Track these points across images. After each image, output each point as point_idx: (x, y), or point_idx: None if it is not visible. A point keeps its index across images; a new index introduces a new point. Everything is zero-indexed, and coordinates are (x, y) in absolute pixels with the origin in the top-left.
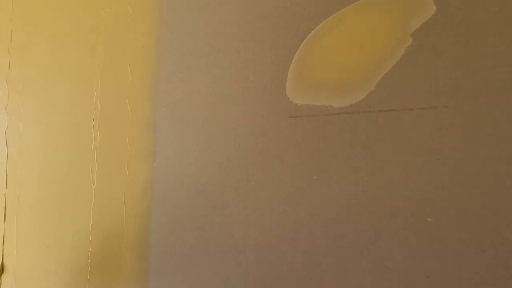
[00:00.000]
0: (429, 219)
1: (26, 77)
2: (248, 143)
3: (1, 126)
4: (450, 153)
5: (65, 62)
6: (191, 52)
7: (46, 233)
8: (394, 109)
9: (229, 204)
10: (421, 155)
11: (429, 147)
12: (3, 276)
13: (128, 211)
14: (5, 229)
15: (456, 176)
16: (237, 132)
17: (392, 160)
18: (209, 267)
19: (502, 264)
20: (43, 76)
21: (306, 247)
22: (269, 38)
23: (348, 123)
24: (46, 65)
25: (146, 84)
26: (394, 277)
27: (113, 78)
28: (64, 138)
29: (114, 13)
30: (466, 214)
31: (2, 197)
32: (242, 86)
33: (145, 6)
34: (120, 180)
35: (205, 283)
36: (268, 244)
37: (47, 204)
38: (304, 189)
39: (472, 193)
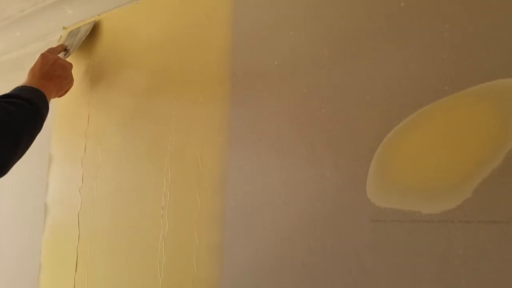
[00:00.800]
0: None
1: (99, 161)
2: (324, 246)
3: (75, 208)
4: None
5: (136, 148)
6: (263, 144)
7: None
8: (498, 221)
9: None
10: None
11: None
12: None
13: None
14: None
15: None
16: (312, 234)
17: (500, 282)
18: None
19: None
20: (115, 161)
21: None
22: (347, 133)
23: (441, 233)
24: (118, 151)
25: (215, 175)
26: None
27: (183, 167)
28: (133, 224)
29: (186, 101)
30: None
31: (72, 280)
32: (317, 182)
33: (216, 96)
34: (188, 274)
35: None
36: None
37: None
38: None
39: None
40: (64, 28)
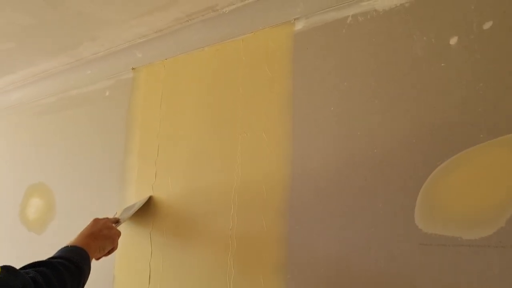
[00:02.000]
0: None
1: (169, 188)
2: (378, 266)
3: (147, 227)
4: None
5: (205, 176)
6: (322, 177)
7: None
8: None
9: None
10: None
11: None
12: None
13: None
14: None
15: None
16: (367, 255)
17: None
18: None
19: None
20: (184, 189)
21: None
22: (396, 169)
23: (479, 255)
24: (188, 178)
25: (279, 202)
26: None
27: (249, 195)
28: (203, 243)
29: (250, 138)
30: None
31: None
32: (371, 212)
33: (278, 134)
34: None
35: None
36: None
37: None
38: None
39: None
40: (133, 68)
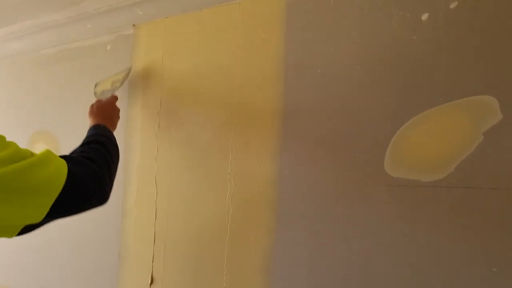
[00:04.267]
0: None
1: (171, 136)
2: (353, 204)
3: (152, 172)
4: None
5: (205, 127)
6: (309, 130)
7: (189, 264)
8: (469, 187)
9: (336, 252)
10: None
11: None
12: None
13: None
14: (154, 251)
15: None
16: (344, 195)
17: (467, 218)
18: None
19: None
20: (185, 137)
21: None
22: (371, 125)
23: (432, 194)
24: (189, 129)
25: (272, 148)
26: None
27: (245, 142)
28: (205, 185)
29: (246, 94)
30: None
31: (152, 226)
32: (348, 159)
33: (271, 91)
34: (253, 200)
35: None
36: None
37: (190, 236)
38: (396, 242)
39: None
40: (133, 25)
